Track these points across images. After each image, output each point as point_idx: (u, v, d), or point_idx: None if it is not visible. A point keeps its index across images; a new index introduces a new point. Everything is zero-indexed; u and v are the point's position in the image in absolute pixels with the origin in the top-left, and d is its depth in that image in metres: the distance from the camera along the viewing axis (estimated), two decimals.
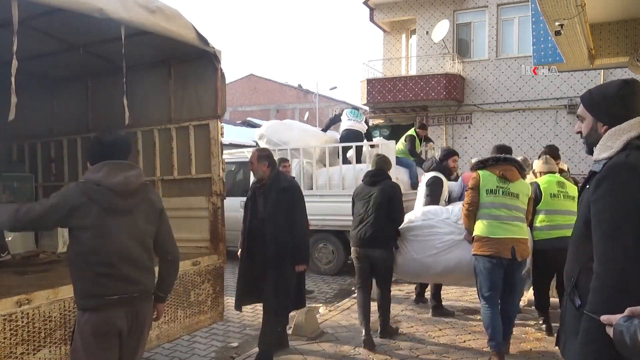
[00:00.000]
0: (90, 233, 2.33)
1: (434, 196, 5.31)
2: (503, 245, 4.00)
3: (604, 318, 1.42)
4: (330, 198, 7.57)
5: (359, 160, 7.60)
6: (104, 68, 4.74)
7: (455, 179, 5.91)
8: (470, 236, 4.28)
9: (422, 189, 5.52)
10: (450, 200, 5.55)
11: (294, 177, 5.89)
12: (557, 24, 5.41)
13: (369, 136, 8.97)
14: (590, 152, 1.90)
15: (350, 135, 8.10)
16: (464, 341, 4.74)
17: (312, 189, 7.73)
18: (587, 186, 1.78)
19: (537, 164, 5.17)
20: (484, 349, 4.47)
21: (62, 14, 3.07)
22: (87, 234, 2.33)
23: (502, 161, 4.24)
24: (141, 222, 2.46)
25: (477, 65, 15.35)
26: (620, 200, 1.62)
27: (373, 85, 15.40)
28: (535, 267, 4.87)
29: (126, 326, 2.42)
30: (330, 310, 5.76)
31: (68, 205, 2.32)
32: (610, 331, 1.38)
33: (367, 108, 16.47)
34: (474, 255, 4.17)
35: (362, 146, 7.84)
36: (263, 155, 4.23)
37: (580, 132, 1.94)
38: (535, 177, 5.14)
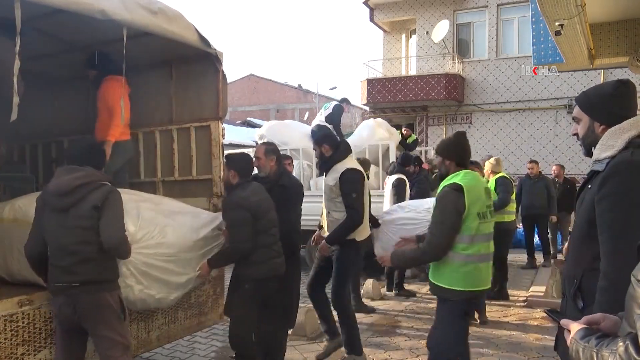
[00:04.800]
0: (44, 228, 2.73)
1: (399, 195, 6.23)
2: None
3: (563, 322, 1.34)
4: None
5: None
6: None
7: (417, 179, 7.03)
8: None
9: (388, 190, 6.49)
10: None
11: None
12: (557, 24, 5.42)
13: (409, 146, 8.90)
14: (588, 153, 1.89)
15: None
16: None
17: (311, 189, 7.72)
18: (589, 186, 1.78)
19: (491, 166, 6.47)
20: (484, 349, 4.49)
21: (64, 15, 3.07)
22: (44, 229, 2.73)
23: (472, 164, 4.68)
24: (76, 219, 2.67)
25: (477, 65, 15.35)
26: (628, 198, 1.61)
27: (373, 85, 15.40)
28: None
29: (73, 314, 2.68)
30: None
31: (37, 206, 2.81)
32: (567, 338, 1.29)
33: (367, 108, 16.48)
34: None
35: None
36: (270, 149, 4.04)
37: (576, 134, 1.93)
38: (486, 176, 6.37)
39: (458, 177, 2.93)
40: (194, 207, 3.90)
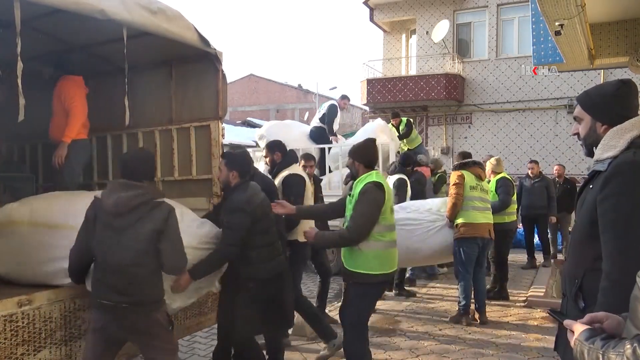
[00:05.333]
0: (95, 241, 2.65)
1: (400, 195, 6.30)
2: (483, 228, 5.23)
3: (567, 323, 1.33)
4: (331, 199, 7.55)
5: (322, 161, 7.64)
6: (106, 69, 4.74)
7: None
8: (451, 223, 5.31)
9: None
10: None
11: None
12: (557, 24, 5.42)
13: (406, 133, 8.84)
14: (589, 153, 1.88)
15: (312, 135, 8.10)
16: (464, 341, 4.75)
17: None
18: (590, 186, 1.77)
19: (492, 166, 6.55)
20: (484, 349, 4.49)
21: (64, 15, 3.07)
22: (93, 242, 2.66)
23: (476, 164, 5.53)
24: (133, 240, 2.61)
25: (477, 65, 15.34)
26: (631, 198, 1.61)
27: (373, 85, 15.39)
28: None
29: (120, 333, 2.66)
30: (330, 311, 5.76)
31: (86, 217, 2.72)
32: (571, 338, 1.28)
33: (367, 108, 16.47)
34: (459, 238, 5.20)
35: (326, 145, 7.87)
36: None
37: (577, 134, 1.93)
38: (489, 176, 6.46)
39: (374, 177, 3.31)
40: (192, 213, 3.68)
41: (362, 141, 3.58)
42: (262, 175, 4.37)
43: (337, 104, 8.25)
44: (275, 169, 4.56)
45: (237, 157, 3.56)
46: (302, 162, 5.15)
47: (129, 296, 2.60)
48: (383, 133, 8.11)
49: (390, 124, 9.02)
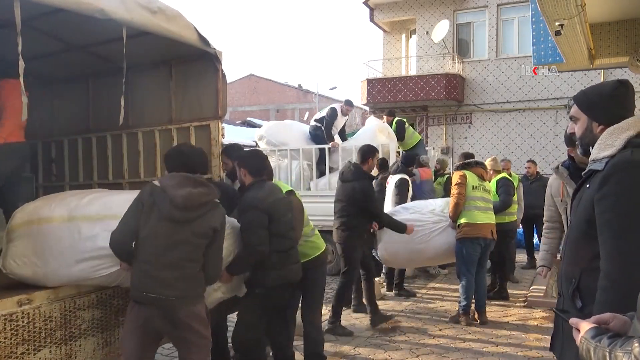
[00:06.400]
0: (146, 232, 2.60)
1: (402, 195, 6.30)
2: (485, 228, 5.23)
3: (572, 321, 1.32)
4: (331, 199, 7.55)
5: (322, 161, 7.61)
6: (105, 68, 4.74)
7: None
8: (455, 224, 5.31)
9: (390, 189, 6.48)
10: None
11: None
12: (557, 24, 5.42)
13: (399, 131, 8.48)
14: (585, 153, 1.88)
15: (309, 133, 8.03)
16: (464, 341, 4.75)
17: (311, 189, 7.71)
18: (587, 185, 1.77)
19: (490, 165, 6.47)
20: (484, 349, 4.49)
21: (63, 15, 3.07)
22: (143, 232, 2.61)
23: (478, 164, 5.56)
24: (191, 235, 2.62)
25: (477, 65, 15.35)
26: (628, 198, 1.61)
27: (373, 85, 15.40)
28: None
29: (165, 327, 2.64)
30: (330, 311, 5.75)
31: (141, 202, 2.64)
32: (577, 337, 1.27)
33: (367, 108, 16.48)
34: (461, 238, 5.20)
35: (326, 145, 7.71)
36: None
37: (573, 134, 1.93)
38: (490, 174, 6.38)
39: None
40: None
41: (250, 150, 3.55)
42: (219, 182, 4.10)
43: (337, 109, 8.06)
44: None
45: (246, 154, 3.47)
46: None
47: (176, 290, 2.58)
48: (382, 134, 8.10)
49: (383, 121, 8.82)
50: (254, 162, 3.39)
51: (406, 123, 8.79)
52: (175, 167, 2.81)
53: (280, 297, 3.34)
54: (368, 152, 5.14)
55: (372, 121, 8.96)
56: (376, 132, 8.03)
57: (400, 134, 8.44)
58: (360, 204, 4.94)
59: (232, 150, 3.98)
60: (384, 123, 8.56)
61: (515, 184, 7.01)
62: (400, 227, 5.12)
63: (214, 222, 2.68)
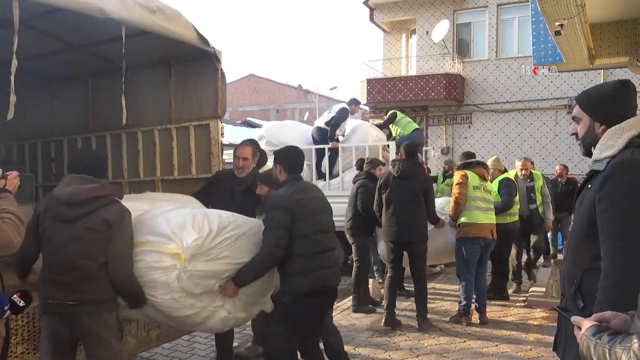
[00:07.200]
0: (44, 239, 2.58)
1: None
2: (485, 228, 5.24)
3: (574, 319, 1.33)
4: (331, 199, 7.51)
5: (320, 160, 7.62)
6: (105, 68, 4.74)
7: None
8: (454, 223, 5.36)
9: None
10: None
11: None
12: (557, 24, 5.42)
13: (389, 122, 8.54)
14: (587, 153, 1.88)
15: (315, 134, 7.95)
16: (464, 341, 4.75)
17: None
18: (589, 185, 1.77)
19: (492, 164, 6.34)
20: (484, 349, 4.48)
21: (63, 14, 3.07)
22: (43, 240, 2.59)
23: (480, 164, 5.58)
24: (84, 231, 2.53)
25: (477, 65, 15.34)
26: (629, 198, 1.60)
27: (373, 85, 15.39)
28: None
29: (69, 334, 2.55)
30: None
31: (36, 214, 2.67)
32: (578, 335, 1.28)
33: (367, 108, 16.47)
34: (461, 238, 5.23)
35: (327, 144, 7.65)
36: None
37: (575, 134, 1.93)
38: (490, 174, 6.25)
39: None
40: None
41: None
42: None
43: (349, 108, 7.87)
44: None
45: (282, 150, 3.29)
46: None
47: (77, 293, 2.49)
48: (372, 129, 8.14)
49: (379, 121, 8.88)
50: (290, 158, 3.20)
51: (400, 114, 8.75)
52: (71, 171, 2.77)
53: (312, 304, 3.02)
54: (416, 147, 5.59)
55: (360, 121, 8.97)
56: (368, 128, 8.12)
57: (387, 121, 8.54)
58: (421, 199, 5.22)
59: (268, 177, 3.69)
60: (369, 123, 8.57)
61: (540, 183, 6.99)
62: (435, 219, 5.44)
63: (108, 216, 2.56)
